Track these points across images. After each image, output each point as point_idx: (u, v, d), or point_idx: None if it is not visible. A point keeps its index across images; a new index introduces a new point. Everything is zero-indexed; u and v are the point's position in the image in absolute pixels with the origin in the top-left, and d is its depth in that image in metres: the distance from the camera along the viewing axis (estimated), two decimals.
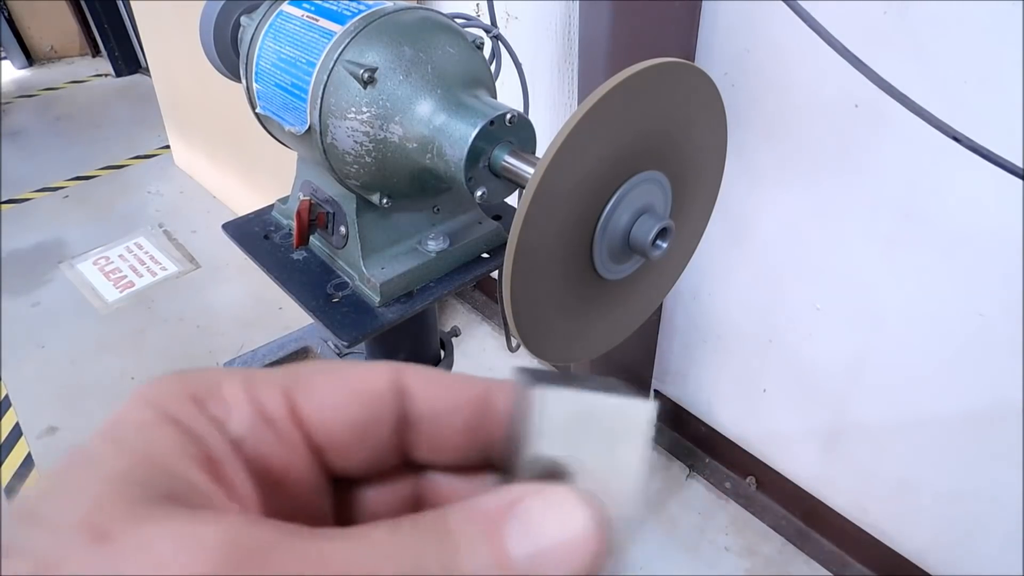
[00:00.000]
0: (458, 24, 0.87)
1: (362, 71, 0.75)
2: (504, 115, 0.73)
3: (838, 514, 1.94)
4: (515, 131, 0.75)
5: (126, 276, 3.12)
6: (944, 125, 1.03)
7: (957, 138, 0.96)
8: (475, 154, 0.73)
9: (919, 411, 1.59)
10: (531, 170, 0.69)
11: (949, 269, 1.39)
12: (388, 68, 0.76)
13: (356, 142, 0.79)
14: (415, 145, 0.77)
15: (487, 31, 1.26)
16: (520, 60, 1.23)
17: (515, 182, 0.74)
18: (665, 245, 0.63)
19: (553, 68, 1.96)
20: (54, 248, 3.32)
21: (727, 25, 1.52)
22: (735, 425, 2.15)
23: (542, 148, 0.62)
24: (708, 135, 0.68)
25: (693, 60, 1.61)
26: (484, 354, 2.63)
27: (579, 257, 0.63)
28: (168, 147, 3.94)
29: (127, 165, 3.96)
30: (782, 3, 1.25)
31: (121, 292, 3.05)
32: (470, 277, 0.97)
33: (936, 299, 1.44)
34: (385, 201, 0.85)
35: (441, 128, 0.75)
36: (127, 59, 4.95)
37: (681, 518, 2.15)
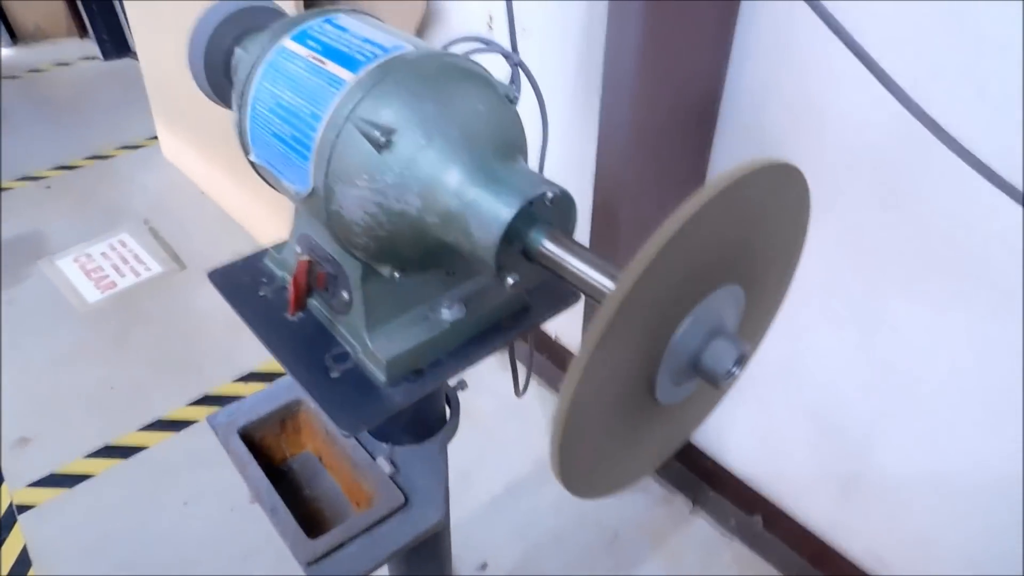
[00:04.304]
0: (484, 69, 0.75)
1: (378, 133, 0.64)
2: (544, 194, 0.62)
3: (850, 562, 1.86)
4: (554, 210, 0.64)
5: (108, 275, 2.98)
6: (1006, 183, 0.93)
7: None
8: (510, 238, 0.62)
9: (946, 467, 1.51)
10: (582, 266, 0.58)
11: (994, 325, 1.30)
12: (408, 129, 0.65)
13: (367, 213, 0.67)
14: (437, 220, 0.66)
15: (507, 57, 1.15)
16: (534, 75, 1.12)
17: (553, 270, 0.64)
18: (739, 372, 0.53)
19: (568, 83, 1.84)
20: (33, 242, 3.18)
21: (762, 49, 1.42)
22: (743, 462, 2.06)
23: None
24: (790, 240, 0.58)
25: (723, 84, 1.50)
26: (485, 380, 2.53)
27: (639, 385, 0.53)
28: (156, 137, 3.78)
29: (113, 155, 3.81)
30: (825, 29, 1.14)
31: (102, 292, 2.91)
32: (488, 350, 0.86)
33: (975, 354, 1.35)
34: (396, 274, 0.74)
35: (470, 204, 0.64)
36: (116, 42, 4.76)
37: (684, 554, 2.07)
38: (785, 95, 1.42)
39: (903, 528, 1.67)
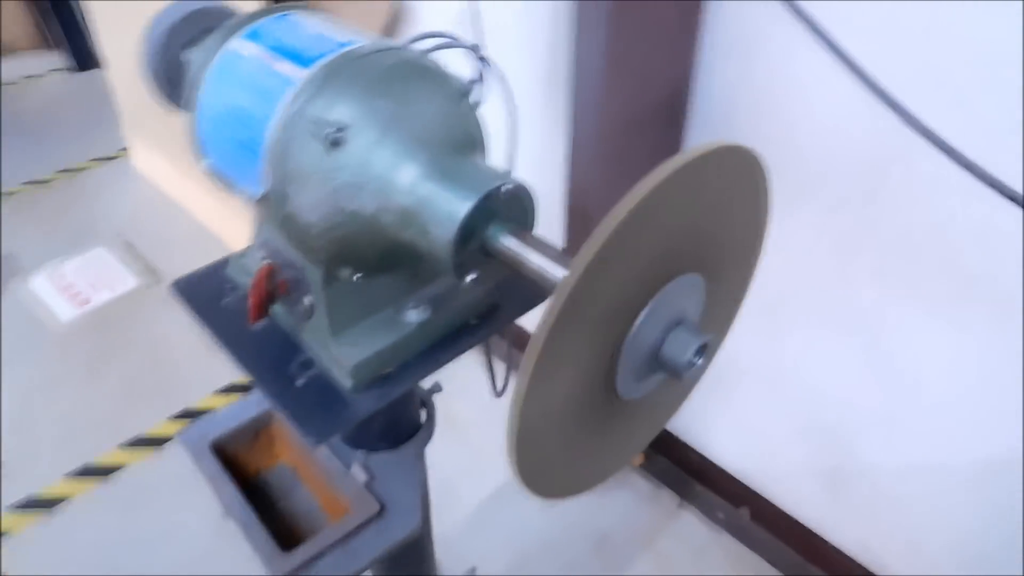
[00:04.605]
0: (440, 64, 0.74)
1: (328, 130, 0.62)
2: (500, 187, 0.61)
3: (839, 552, 1.86)
4: (512, 204, 0.63)
5: (82, 292, 2.93)
6: (996, 180, 0.93)
7: (1013, 195, 0.86)
8: (467, 234, 0.61)
9: (933, 458, 1.50)
10: (540, 260, 0.57)
11: (984, 323, 1.29)
12: (360, 126, 0.63)
13: (321, 214, 0.65)
14: (393, 219, 0.64)
15: (473, 51, 1.13)
16: (503, 74, 1.10)
17: (512, 267, 0.62)
18: (700, 362, 0.52)
19: (538, 83, 1.83)
20: (4, 262, 3.11)
21: (730, 47, 1.41)
22: (730, 455, 2.05)
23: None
24: (751, 226, 0.56)
25: (691, 84, 1.50)
26: (465, 385, 2.50)
27: (599, 378, 0.51)
28: (127, 149, 3.73)
29: (84, 169, 3.75)
30: (796, 27, 1.13)
31: (78, 309, 2.86)
32: (457, 351, 0.85)
33: (961, 346, 1.34)
34: (356, 277, 0.73)
35: (425, 201, 0.62)
36: (84, 54, 4.69)
37: (673, 551, 2.05)
38: (757, 92, 1.42)
39: (891, 518, 1.67)
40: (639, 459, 2.26)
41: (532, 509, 2.16)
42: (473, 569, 2.02)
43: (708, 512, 2.13)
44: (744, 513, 2.08)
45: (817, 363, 1.64)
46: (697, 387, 1.90)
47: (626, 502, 2.18)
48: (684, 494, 2.18)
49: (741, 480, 2.04)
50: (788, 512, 1.95)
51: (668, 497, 2.19)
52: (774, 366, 1.75)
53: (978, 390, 1.36)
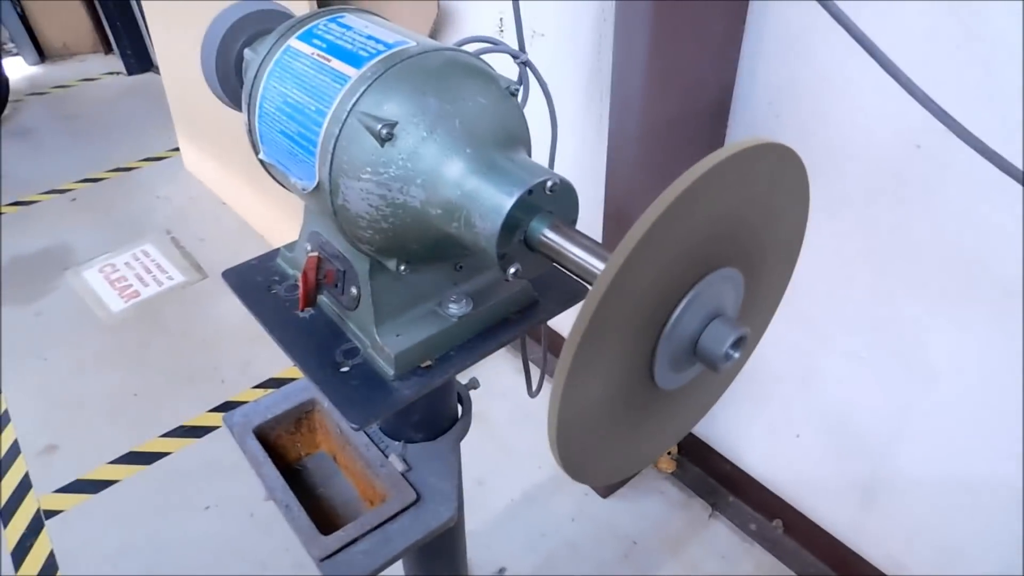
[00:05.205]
0: (486, 64, 0.76)
1: (379, 126, 0.65)
2: (544, 182, 0.63)
3: (871, 566, 1.83)
4: (555, 199, 0.64)
5: (132, 285, 3.04)
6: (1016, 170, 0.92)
7: None
8: (510, 226, 0.63)
9: (966, 471, 1.48)
10: (581, 253, 0.59)
11: (1013, 326, 1.27)
12: (409, 122, 0.66)
13: (371, 205, 0.68)
14: (439, 211, 0.67)
15: (515, 57, 1.15)
16: (546, 79, 1.12)
17: (554, 259, 0.64)
18: (737, 355, 0.53)
19: (579, 86, 1.85)
20: (60, 254, 3.24)
21: (773, 51, 1.41)
22: (763, 465, 2.03)
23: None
24: (790, 225, 0.57)
25: (733, 89, 1.50)
26: (500, 386, 2.53)
27: (637, 367, 0.53)
28: (178, 149, 3.86)
29: (136, 168, 3.88)
30: (839, 31, 1.13)
31: (126, 302, 2.97)
32: (496, 344, 0.87)
33: (995, 357, 1.32)
34: (402, 268, 0.75)
35: (471, 194, 0.64)
36: (139, 57, 4.87)
37: (703, 561, 2.04)
38: (798, 96, 1.41)
39: (923, 532, 1.64)
40: (671, 467, 2.25)
41: (562, 512, 2.17)
42: (503, 570, 2.03)
43: (740, 523, 2.11)
44: (777, 525, 2.06)
45: (846, 369, 1.62)
46: (731, 397, 1.89)
47: (657, 509, 2.17)
48: (716, 504, 2.16)
49: (774, 491, 2.02)
50: (820, 523, 1.92)
51: (700, 506, 2.17)
52: (804, 373, 1.73)
53: (1013, 397, 1.33)
